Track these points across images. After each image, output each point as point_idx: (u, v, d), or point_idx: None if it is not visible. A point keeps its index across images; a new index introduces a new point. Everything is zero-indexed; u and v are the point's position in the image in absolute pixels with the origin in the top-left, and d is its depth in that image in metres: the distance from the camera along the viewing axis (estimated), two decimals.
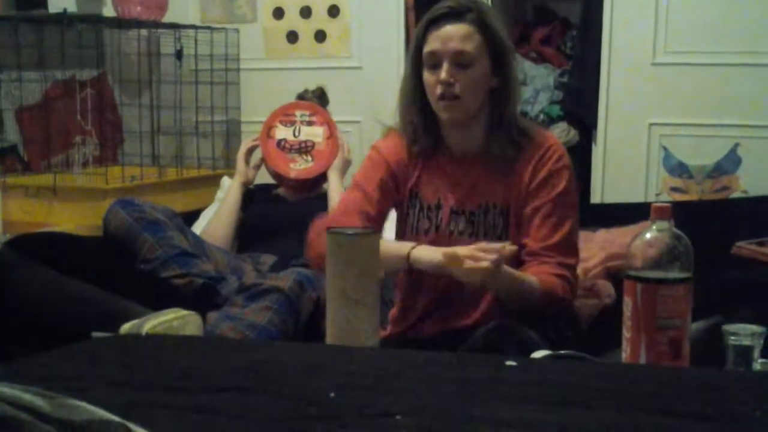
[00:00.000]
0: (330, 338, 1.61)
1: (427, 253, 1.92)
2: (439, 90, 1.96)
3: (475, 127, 2.03)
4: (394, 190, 2.10)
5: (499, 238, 2.00)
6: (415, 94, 2.04)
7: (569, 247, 1.99)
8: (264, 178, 3.14)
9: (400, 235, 2.12)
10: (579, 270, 2.19)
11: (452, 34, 1.95)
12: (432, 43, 1.97)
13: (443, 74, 1.95)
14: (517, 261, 1.98)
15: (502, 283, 1.85)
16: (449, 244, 1.99)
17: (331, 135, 3.04)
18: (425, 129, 2.05)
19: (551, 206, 1.98)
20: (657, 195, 3.20)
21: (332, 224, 2.01)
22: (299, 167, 3.03)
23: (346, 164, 3.02)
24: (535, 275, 1.92)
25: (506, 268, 1.84)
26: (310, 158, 3.04)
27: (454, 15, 1.97)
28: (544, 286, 1.91)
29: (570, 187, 2.02)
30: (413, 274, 2.05)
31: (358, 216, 2.03)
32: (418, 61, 2.01)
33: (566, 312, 2.05)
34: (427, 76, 1.99)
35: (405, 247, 1.96)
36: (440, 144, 2.07)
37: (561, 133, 3.29)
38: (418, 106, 2.04)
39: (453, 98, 1.96)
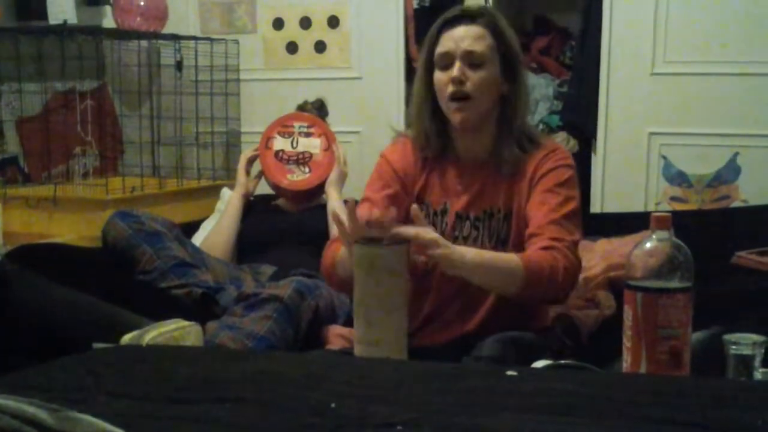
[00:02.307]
0: (358, 351, 1.63)
1: None
2: (450, 89, 1.97)
3: (485, 133, 2.04)
4: (405, 196, 2.09)
5: (503, 243, 2.00)
6: (426, 96, 2.05)
7: (564, 226, 1.92)
8: (264, 189, 3.14)
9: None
10: (580, 279, 2.19)
11: (465, 34, 1.98)
12: (445, 44, 1.99)
13: (455, 72, 1.96)
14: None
15: (463, 265, 1.79)
16: None
17: (329, 147, 3.05)
18: (436, 133, 2.06)
19: (550, 192, 1.97)
20: (657, 204, 3.20)
21: (333, 240, 2.02)
22: (296, 178, 3.04)
23: (343, 176, 3.02)
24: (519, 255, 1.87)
25: (463, 249, 1.82)
26: (307, 169, 3.04)
27: (467, 17, 2.00)
28: (525, 261, 1.83)
29: (571, 179, 2.01)
30: (423, 283, 2.06)
31: None
32: (430, 63, 2.03)
33: (568, 288, 1.94)
34: (439, 76, 2.00)
35: None
36: (449, 149, 2.08)
37: (561, 143, 3.29)
38: (429, 109, 2.05)
39: (464, 98, 1.97)
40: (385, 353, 1.63)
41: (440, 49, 2.00)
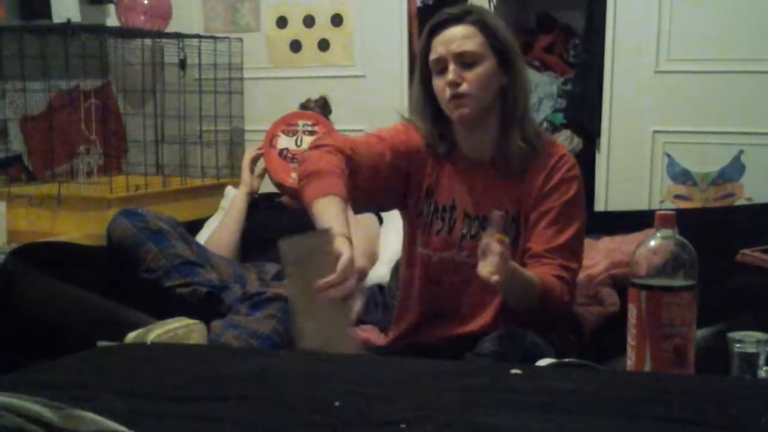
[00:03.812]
0: (300, 343, 1.61)
1: None
2: (448, 92, 1.97)
3: (488, 128, 2.03)
4: (402, 169, 2.07)
5: (511, 244, 2.00)
6: (425, 103, 2.06)
7: (571, 252, 1.99)
8: (268, 186, 3.15)
9: (410, 234, 2.11)
10: (583, 276, 2.20)
11: (454, 36, 1.98)
12: (436, 49, 1.99)
13: (450, 75, 1.96)
14: (520, 264, 1.98)
15: (509, 276, 1.78)
16: (460, 247, 2.01)
17: None
18: (440, 137, 2.06)
19: (557, 212, 1.99)
20: (661, 202, 3.20)
21: (320, 142, 1.97)
22: None
23: None
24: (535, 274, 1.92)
25: (511, 262, 1.81)
26: None
27: (454, 19, 2.00)
28: (543, 283, 1.89)
29: (578, 196, 2.03)
30: (427, 278, 2.06)
31: (349, 143, 1.98)
32: (425, 70, 2.03)
33: (565, 316, 2.04)
34: (436, 82, 2.00)
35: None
36: (455, 152, 2.08)
37: (564, 141, 3.29)
38: (430, 115, 2.06)
39: (462, 96, 1.97)
40: (314, 345, 1.59)
41: (433, 55, 2.00)
